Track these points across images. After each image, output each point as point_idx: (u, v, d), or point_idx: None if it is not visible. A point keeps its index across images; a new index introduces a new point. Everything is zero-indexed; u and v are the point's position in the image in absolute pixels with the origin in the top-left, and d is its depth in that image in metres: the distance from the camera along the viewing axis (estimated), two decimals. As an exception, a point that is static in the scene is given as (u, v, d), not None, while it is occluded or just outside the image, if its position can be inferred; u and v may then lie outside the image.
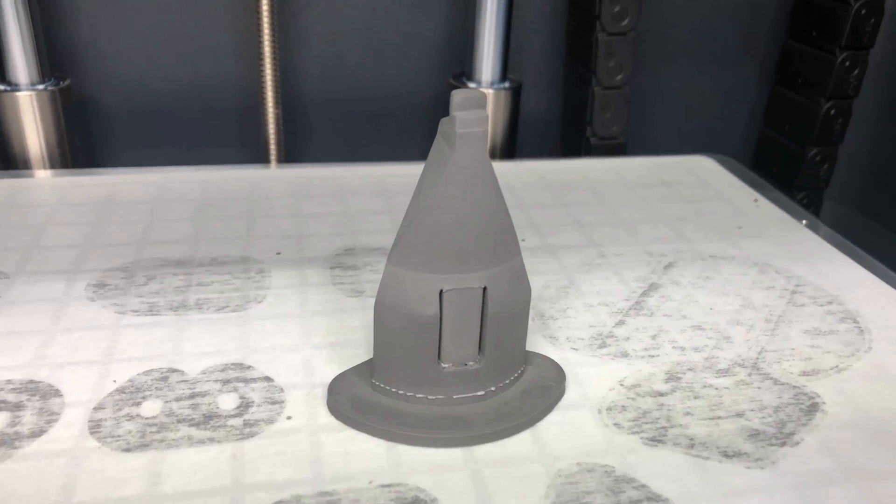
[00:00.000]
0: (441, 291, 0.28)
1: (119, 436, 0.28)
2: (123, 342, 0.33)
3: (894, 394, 0.33)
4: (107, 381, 0.31)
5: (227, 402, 0.30)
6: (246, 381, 0.32)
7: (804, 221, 0.48)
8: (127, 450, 0.28)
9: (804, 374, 0.34)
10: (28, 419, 0.29)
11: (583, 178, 0.53)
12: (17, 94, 0.49)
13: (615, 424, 0.30)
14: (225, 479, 0.27)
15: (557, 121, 0.63)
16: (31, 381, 0.31)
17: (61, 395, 0.30)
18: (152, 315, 0.35)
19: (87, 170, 0.51)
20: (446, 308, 0.29)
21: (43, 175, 0.50)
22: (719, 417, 0.31)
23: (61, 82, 0.50)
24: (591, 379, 0.33)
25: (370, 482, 0.27)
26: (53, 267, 0.39)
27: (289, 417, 0.30)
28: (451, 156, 0.26)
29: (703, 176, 0.54)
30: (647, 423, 0.30)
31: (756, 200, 0.51)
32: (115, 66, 0.55)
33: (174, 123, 0.57)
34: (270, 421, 0.30)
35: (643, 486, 0.27)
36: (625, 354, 0.35)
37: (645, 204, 0.50)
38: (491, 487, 0.27)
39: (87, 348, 0.33)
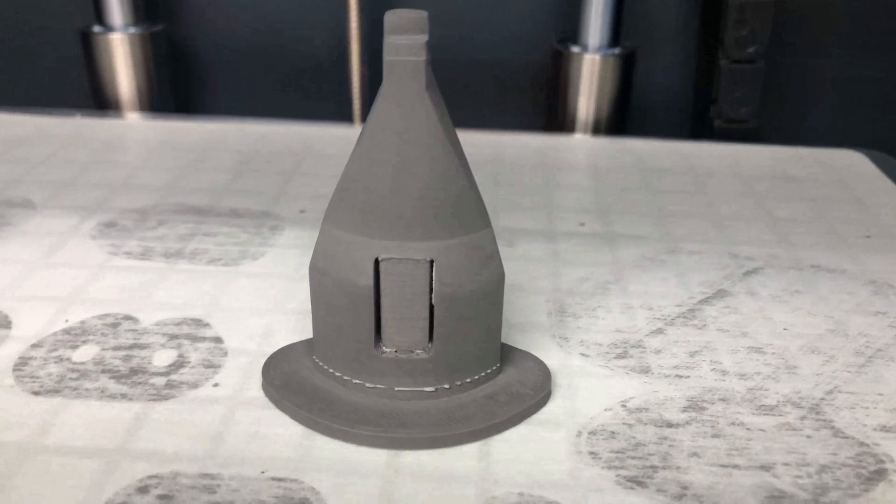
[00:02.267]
0: (377, 260, 0.24)
1: (37, 377, 0.26)
2: (98, 283, 0.32)
3: None
4: (59, 320, 0.29)
5: (163, 358, 0.28)
6: (194, 339, 0.29)
7: (963, 238, 0.37)
8: (36, 393, 0.26)
9: (883, 428, 0.25)
10: (-33, 347, 0.28)
11: (688, 164, 0.45)
12: (111, 35, 0.50)
13: (591, 453, 0.24)
14: (113, 441, 0.24)
15: (689, 98, 0.54)
16: (-8, 310, 0.30)
17: (9, 328, 0.29)
18: (142, 260, 0.34)
19: (166, 115, 0.51)
20: (385, 281, 0.24)
21: (126, 117, 0.50)
22: (736, 466, 0.24)
23: (154, 27, 0.51)
24: (588, 393, 0.27)
25: (263, 472, 0.23)
26: (79, 203, 0.38)
27: (215, 385, 0.26)
28: (381, 91, 0.21)
29: (843, 174, 0.44)
30: (634, 458, 0.24)
31: (904, 207, 0.40)
32: (207, 13, 0.54)
33: (264, 73, 0.55)
34: (195, 385, 0.26)
35: (591, 537, 0.21)
36: (645, 370, 0.28)
37: (754, 199, 0.41)
38: (398, 502, 0.22)
39: (60, 285, 0.31)
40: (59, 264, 0.33)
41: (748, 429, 0.25)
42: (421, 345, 0.25)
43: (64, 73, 0.55)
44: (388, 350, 0.25)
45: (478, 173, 0.42)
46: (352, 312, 0.24)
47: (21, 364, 0.27)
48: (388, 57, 0.21)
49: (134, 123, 0.49)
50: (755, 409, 0.26)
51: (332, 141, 0.47)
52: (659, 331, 0.30)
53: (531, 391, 0.26)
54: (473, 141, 0.47)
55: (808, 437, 0.25)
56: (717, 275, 0.34)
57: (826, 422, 0.25)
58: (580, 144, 0.47)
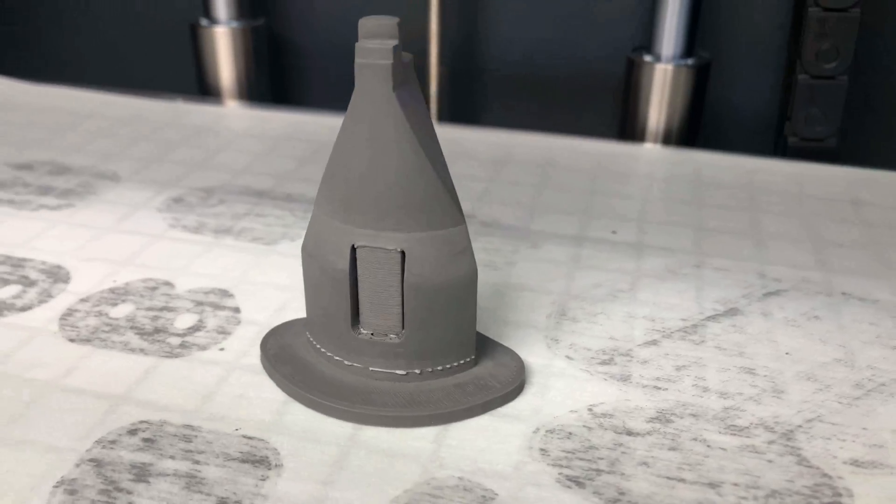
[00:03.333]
0: (353, 246, 0.25)
1: (76, 327, 0.30)
2: (149, 251, 0.35)
3: (982, 527, 0.22)
4: (108, 280, 0.33)
5: (184, 321, 0.31)
6: (216, 307, 0.32)
7: None
8: (72, 340, 0.29)
9: (854, 462, 0.24)
10: (30, 295, 0.32)
11: (747, 181, 0.43)
12: (216, 28, 0.54)
13: (541, 450, 0.25)
14: (120, 388, 0.27)
15: (768, 113, 0.53)
16: (59, 266, 0.34)
17: (67, 283, 0.33)
18: (194, 233, 0.37)
19: (257, 104, 0.55)
20: (361, 267, 0.26)
21: (221, 104, 0.55)
22: (682, 480, 0.24)
23: (255, 22, 0.55)
24: (559, 394, 0.27)
25: (237, 429, 0.25)
26: (157, 179, 0.42)
27: (221, 349, 0.29)
28: (355, 92, 0.23)
29: (919, 201, 0.42)
30: (582, 459, 0.24)
31: (974, 241, 0.38)
32: (305, 10, 0.58)
33: (350, 68, 0.58)
34: (203, 348, 0.29)
35: (513, 526, 0.22)
36: (625, 378, 0.28)
37: (805, 221, 0.39)
38: (348, 472, 0.24)
39: (119, 249, 0.35)
40: (124, 231, 0.37)
41: (708, 446, 0.25)
42: (394, 330, 0.26)
43: (174, 61, 0.60)
44: (364, 332, 0.27)
45: (527, 174, 0.43)
46: (333, 294, 0.26)
47: (67, 315, 0.31)
48: (358, 59, 0.22)
49: (228, 111, 0.53)
50: (723, 428, 0.26)
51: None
52: (653, 342, 0.30)
53: (500, 385, 0.27)
54: (530, 142, 0.48)
55: (769, 461, 0.24)
56: (736, 293, 0.33)
57: (793, 449, 0.25)
58: (642, 153, 0.47)
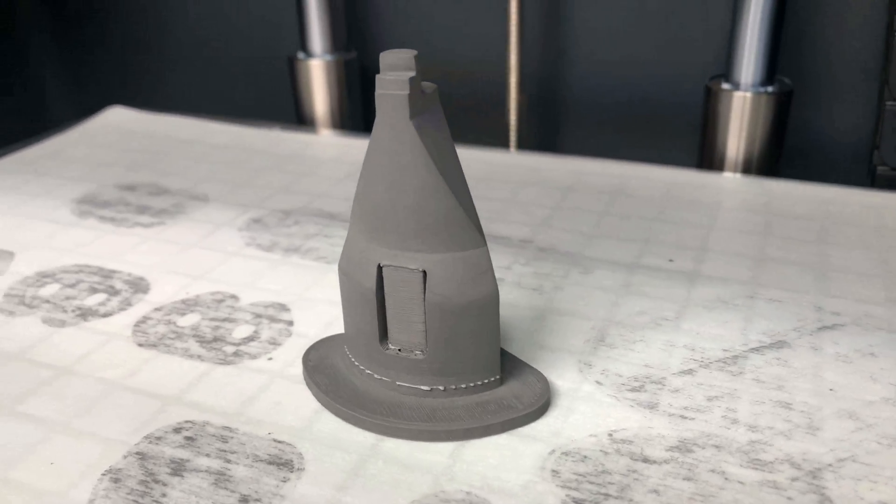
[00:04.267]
0: (379, 265, 0.27)
1: (147, 333, 0.33)
2: (224, 266, 0.38)
3: None
4: (182, 292, 0.36)
5: (242, 331, 0.33)
6: (273, 319, 0.34)
7: None
8: (141, 344, 0.32)
9: (882, 505, 0.23)
10: (113, 303, 0.35)
11: (824, 211, 0.42)
12: (311, 61, 0.57)
13: (553, 471, 0.25)
14: (173, 390, 0.30)
15: (857, 141, 0.50)
16: (141, 278, 0.38)
17: (147, 293, 0.36)
18: (267, 252, 0.40)
19: (357, 133, 0.58)
20: (387, 285, 0.27)
21: (314, 133, 0.58)
22: (691, 511, 0.23)
23: (348, 55, 0.58)
24: (582, 418, 0.27)
25: (269, 433, 0.27)
26: (242, 201, 0.45)
27: (269, 359, 0.31)
28: (376, 121, 0.25)
29: None
30: (592, 483, 0.24)
31: None
32: (393, 45, 0.60)
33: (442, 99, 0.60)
34: (254, 357, 0.31)
35: (511, 542, 0.22)
36: (652, 406, 0.28)
37: (879, 254, 0.38)
38: (363, 480, 0.25)
39: (196, 264, 0.38)
40: (204, 248, 0.40)
41: (726, 479, 0.25)
42: (419, 346, 0.27)
43: (275, 92, 0.64)
44: (392, 347, 0.28)
45: (592, 201, 0.44)
46: (363, 310, 0.28)
47: (141, 322, 0.34)
48: (378, 90, 0.24)
49: (319, 139, 0.56)
50: (745, 462, 0.25)
51: (481, 164, 0.50)
52: (688, 371, 0.30)
53: (522, 405, 0.27)
54: (600, 169, 0.48)
55: (789, 498, 0.24)
56: (787, 325, 0.32)
57: (818, 488, 0.24)
58: (715, 182, 0.46)
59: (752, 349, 0.31)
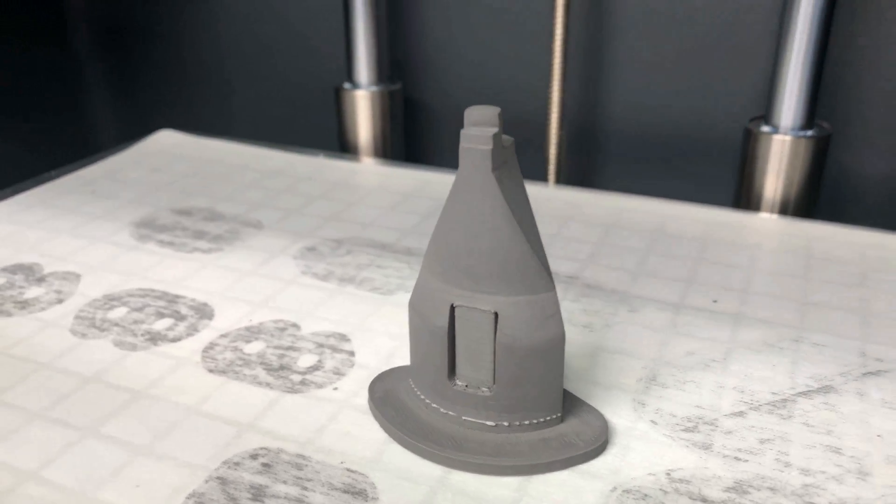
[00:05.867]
0: (452, 305, 0.28)
1: (215, 359, 0.35)
2: (283, 294, 0.40)
3: None
4: (245, 319, 0.38)
5: (306, 360, 0.34)
6: (335, 349, 0.35)
7: None
8: (211, 370, 0.34)
9: (933, 552, 0.24)
10: (180, 328, 0.37)
11: (861, 255, 0.43)
12: (357, 92, 0.59)
13: (616, 508, 0.26)
14: (247, 416, 0.31)
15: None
16: (206, 304, 0.39)
17: (211, 319, 0.38)
18: (322, 280, 0.41)
19: (390, 161, 0.59)
20: (458, 324, 0.28)
21: (360, 161, 0.59)
22: (750, 551, 0.25)
23: (393, 86, 0.59)
24: (640, 456, 0.29)
25: (341, 462, 0.29)
26: (294, 229, 0.47)
27: (335, 388, 0.33)
28: (459, 171, 0.26)
29: None
30: (654, 520, 0.26)
31: None
32: (437, 77, 0.62)
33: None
34: (320, 386, 0.33)
35: (580, 576, 0.24)
36: (707, 447, 0.29)
37: (922, 300, 0.39)
38: (434, 511, 0.26)
39: (256, 291, 0.40)
40: (262, 275, 0.42)
41: (782, 520, 0.26)
42: (486, 383, 0.29)
43: (320, 119, 0.66)
44: (459, 383, 0.29)
45: (633, 239, 0.45)
46: (433, 346, 0.29)
47: (209, 348, 0.36)
48: (462, 144, 0.25)
49: (363, 167, 0.58)
50: (800, 504, 0.26)
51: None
52: (740, 413, 0.31)
53: (583, 443, 0.29)
54: (641, 207, 0.49)
55: (843, 541, 0.25)
56: (833, 370, 0.33)
57: (870, 532, 0.25)
58: (755, 223, 0.47)
59: (800, 393, 0.32)
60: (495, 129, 0.25)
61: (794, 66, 0.47)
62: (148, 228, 0.47)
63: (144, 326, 0.37)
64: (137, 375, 0.34)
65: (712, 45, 0.54)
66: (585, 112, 0.59)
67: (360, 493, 0.27)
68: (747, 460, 0.29)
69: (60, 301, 0.40)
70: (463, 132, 0.26)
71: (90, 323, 0.38)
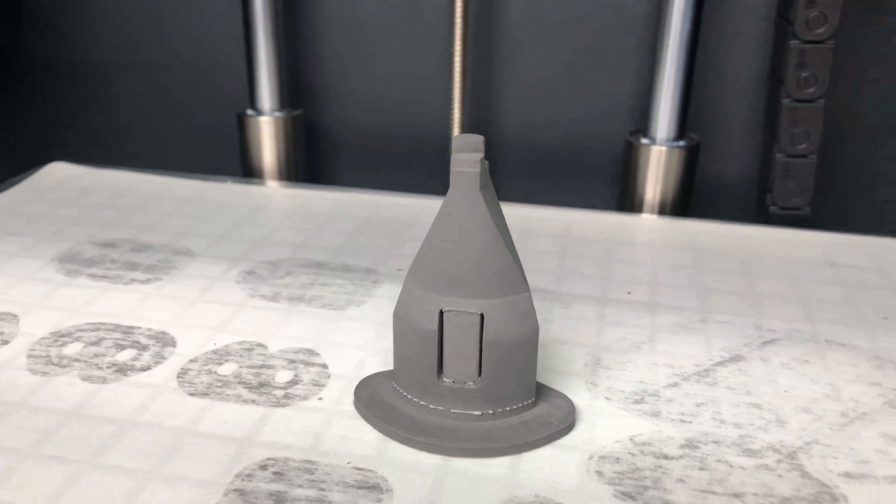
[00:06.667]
0: (441, 311, 0.32)
1: (193, 383, 0.36)
2: (239, 318, 0.41)
3: (947, 521, 0.29)
4: (210, 343, 0.39)
5: (283, 376, 0.36)
6: (307, 364, 0.37)
7: (979, 325, 0.42)
8: (192, 394, 0.35)
9: (846, 475, 0.31)
10: (146, 358, 0.38)
11: (739, 246, 0.50)
12: (260, 118, 0.61)
13: (597, 472, 0.31)
14: (243, 432, 0.33)
15: (752, 185, 0.60)
16: (164, 332, 0.40)
17: (175, 346, 0.39)
18: (272, 301, 0.43)
19: (300, 184, 0.62)
20: (446, 327, 0.32)
21: (268, 184, 0.61)
22: (712, 493, 0.30)
23: (295, 112, 0.62)
24: (604, 428, 0.33)
25: (348, 462, 0.31)
26: (227, 254, 0.48)
27: (320, 399, 0.35)
28: (449, 191, 0.30)
29: (882, 261, 0.49)
30: (631, 479, 0.30)
31: (931, 294, 0.45)
32: (338, 101, 0.65)
33: (380, 151, 0.65)
34: (305, 398, 0.35)
35: (584, 531, 0.28)
36: (656, 414, 0.34)
37: (793, 281, 0.46)
38: (444, 496, 0.29)
39: (212, 317, 0.41)
40: (210, 301, 0.43)
41: (731, 466, 0.31)
42: (472, 378, 0.32)
43: (223, 146, 0.67)
44: (447, 380, 0.33)
45: (549, 243, 0.50)
46: (421, 350, 0.32)
47: (182, 373, 0.37)
48: (453, 168, 0.29)
49: (274, 191, 0.59)
50: (741, 452, 0.32)
51: (433, 212, 0.55)
52: (674, 384, 0.36)
53: (557, 421, 0.33)
54: (548, 215, 0.55)
55: (780, 476, 0.31)
56: (739, 342, 0.40)
57: (798, 465, 0.31)
58: (643, 224, 0.54)
59: (717, 363, 0.38)
60: (481, 155, 0.29)
61: (666, 85, 0.54)
62: (74, 263, 0.47)
63: (108, 359, 0.37)
64: (118, 406, 0.34)
65: (594, 67, 0.61)
66: (482, 130, 0.63)
67: (374, 487, 0.30)
68: (690, 422, 0.34)
69: (6, 342, 0.39)
70: (453, 158, 0.29)
71: (47, 361, 0.37)
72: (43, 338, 0.39)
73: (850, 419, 0.34)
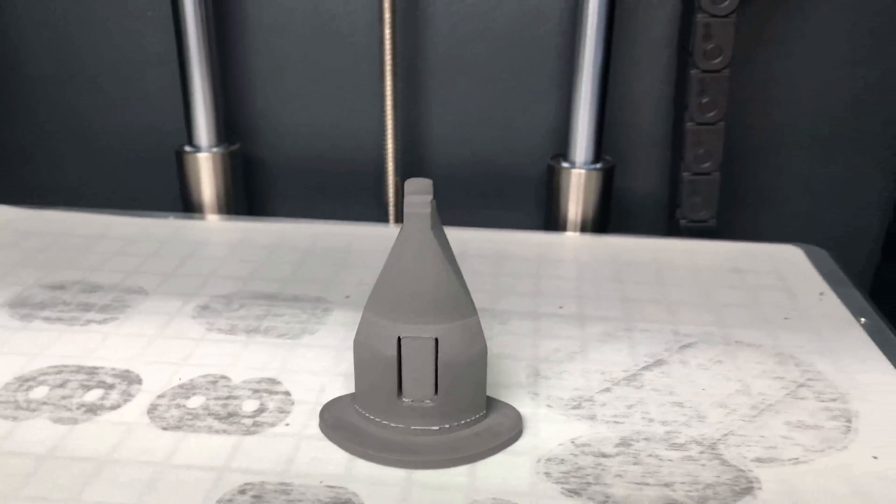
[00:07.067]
0: (399, 337, 0.35)
1: (164, 418, 0.38)
2: (200, 352, 0.43)
3: (842, 493, 0.33)
4: (175, 378, 0.41)
5: (249, 405, 0.39)
6: (271, 392, 0.40)
7: (863, 320, 0.47)
8: (165, 428, 0.37)
9: (758, 460, 0.35)
10: (113, 396, 0.39)
11: (653, 258, 0.55)
12: (198, 154, 0.63)
13: (545, 473, 0.34)
14: (220, 460, 0.35)
15: (663, 201, 0.66)
16: (128, 370, 0.42)
17: (141, 383, 0.41)
18: (230, 334, 0.45)
19: (241, 217, 0.64)
20: (404, 351, 0.35)
21: (209, 219, 0.63)
22: (647, 484, 0.34)
23: (232, 146, 0.64)
24: (548, 433, 0.37)
25: (321, 482, 0.34)
26: (179, 290, 0.50)
27: (287, 424, 0.38)
28: (402, 229, 0.33)
29: (781, 266, 0.55)
30: (575, 477, 0.34)
31: (822, 294, 0.50)
32: (273, 135, 0.68)
33: (317, 182, 0.68)
34: (273, 424, 0.38)
35: (539, 526, 0.32)
36: (592, 417, 0.38)
37: (702, 288, 0.52)
38: (415, 502, 0.33)
39: (174, 353, 0.43)
40: (170, 337, 0.45)
41: (660, 459, 0.35)
42: (429, 396, 0.36)
43: (160, 181, 0.68)
44: (406, 400, 0.36)
45: (483, 264, 0.54)
46: (382, 374, 0.35)
47: (152, 409, 0.39)
48: (406, 210, 0.32)
49: (216, 224, 0.61)
50: (668, 446, 0.36)
51: (372, 238, 0.58)
52: (607, 389, 0.40)
53: (507, 431, 0.36)
54: (481, 238, 0.59)
55: (703, 465, 0.35)
56: (660, 348, 0.44)
57: (717, 455, 0.36)
58: (568, 241, 0.59)
59: (643, 368, 0.42)
60: (430, 196, 0.33)
61: (582, 113, 0.58)
62: (26, 307, 0.48)
63: (76, 400, 0.39)
64: (93, 445, 0.36)
65: (515, 99, 0.65)
66: (414, 159, 0.67)
67: (346, 503, 0.33)
68: (623, 422, 0.38)
69: (-30, 389, 0.40)
70: (406, 200, 0.32)
71: (15, 406, 0.39)
72: (8, 383, 0.40)
73: (759, 411, 0.39)
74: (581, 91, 0.58)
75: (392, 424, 0.36)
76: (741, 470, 0.35)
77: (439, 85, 0.65)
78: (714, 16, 0.54)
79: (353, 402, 0.38)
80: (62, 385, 0.40)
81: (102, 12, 0.66)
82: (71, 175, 0.72)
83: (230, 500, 0.33)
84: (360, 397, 0.37)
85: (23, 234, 0.58)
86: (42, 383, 0.40)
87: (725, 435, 0.37)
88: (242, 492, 0.33)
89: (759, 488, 0.34)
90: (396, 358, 0.35)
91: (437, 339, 0.35)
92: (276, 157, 0.68)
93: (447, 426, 0.36)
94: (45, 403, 0.39)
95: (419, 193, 0.33)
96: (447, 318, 0.35)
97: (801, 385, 0.41)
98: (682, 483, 0.34)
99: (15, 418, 0.38)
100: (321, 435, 0.37)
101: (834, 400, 0.40)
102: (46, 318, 0.47)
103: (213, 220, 0.63)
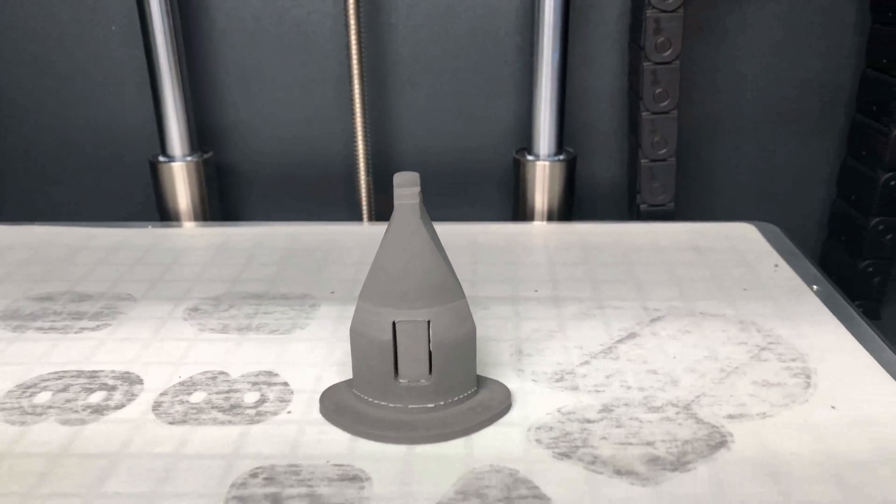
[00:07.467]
0: (394, 322, 0.37)
1: (169, 413, 0.39)
2: (195, 351, 0.45)
3: (805, 440, 0.37)
4: (174, 376, 0.43)
5: (251, 397, 0.41)
6: (270, 384, 0.42)
7: (815, 287, 0.51)
8: (171, 423, 0.39)
9: (729, 416, 0.38)
10: (117, 397, 0.41)
11: (618, 241, 0.59)
12: (172, 164, 0.64)
13: (536, 440, 0.37)
14: (228, 448, 0.37)
15: (623, 188, 0.69)
16: (127, 372, 0.43)
17: (143, 383, 0.42)
18: (223, 333, 0.47)
19: (219, 223, 0.65)
20: (399, 335, 0.37)
21: (187, 226, 0.64)
22: (630, 444, 0.37)
23: (205, 155, 0.65)
24: (535, 405, 0.40)
25: (327, 461, 0.36)
26: (168, 295, 0.52)
27: (289, 412, 0.40)
28: (392, 220, 0.35)
29: (737, 243, 0.58)
30: (564, 441, 0.37)
31: (776, 266, 0.54)
32: (245, 142, 0.69)
33: (290, 185, 0.70)
34: (275, 413, 0.39)
35: (535, 486, 0.34)
36: (574, 388, 0.41)
37: (666, 266, 0.55)
38: (415, 475, 0.35)
39: (170, 353, 0.45)
40: (164, 339, 0.46)
41: (640, 422, 0.38)
42: (424, 376, 0.38)
43: (136, 191, 0.69)
44: (402, 381, 0.38)
45: (461, 255, 0.56)
46: (379, 358, 0.37)
47: (157, 406, 0.40)
48: (397, 201, 0.35)
49: (195, 231, 0.62)
50: (647, 410, 0.39)
51: (349, 236, 0.60)
52: (586, 362, 0.43)
53: (498, 405, 0.39)
54: (455, 231, 0.61)
55: (679, 424, 0.38)
56: (632, 322, 0.47)
57: (692, 414, 0.39)
58: (537, 230, 0.61)
59: (617, 341, 0.45)
60: (418, 188, 0.35)
61: (543, 107, 0.61)
62: (17, 319, 0.49)
63: (81, 403, 0.40)
64: (104, 442, 0.38)
65: (478, 96, 0.68)
66: (383, 159, 0.69)
67: (355, 479, 0.35)
68: (604, 391, 0.41)
69: (-26, 399, 0.41)
70: (396, 192, 0.35)
71: (21, 412, 0.40)
72: (10, 392, 0.42)
73: (727, 373, 0.42)
74: (541, 87, 0.60)
75: (390, 405, 0.38)
76: (714, 426, 0.38)
77: (405, 87, 0.67)
78: (663, 11, 0.58)
79: (351, 388, 0.40)
80: (65, 389, 0.42)
81: (72, 27, 0.67)
82: (43, 189, 0.73)
83: (243, 483, 0.35)
84: (359, 382, 0.39)
85: (2, 249, 0.59)
86: (45, 389, 0.42)
87: (698, 396, 0.40)
88: (254, 475, 0.35)
89: (733, 441, 0.37)
90: (392, 342, 0.37)
91: (429, 322, 0.37)
92: (248, 164, 0.70)
93: (442, 403, 0.38)
94: (50, 407, 0.40)
95: (407, 186, 0.35)
96: (438, 302, 0.37)
97: (764, 348, 0.44)
98: (663, 441, 0.37)
99: (23, 423, 0.39)
100: (323, 420, 0.39)
101: (794, 360, 0.43)
102: (39, 328, 0.48)
103: (190, 227, 0.64)
